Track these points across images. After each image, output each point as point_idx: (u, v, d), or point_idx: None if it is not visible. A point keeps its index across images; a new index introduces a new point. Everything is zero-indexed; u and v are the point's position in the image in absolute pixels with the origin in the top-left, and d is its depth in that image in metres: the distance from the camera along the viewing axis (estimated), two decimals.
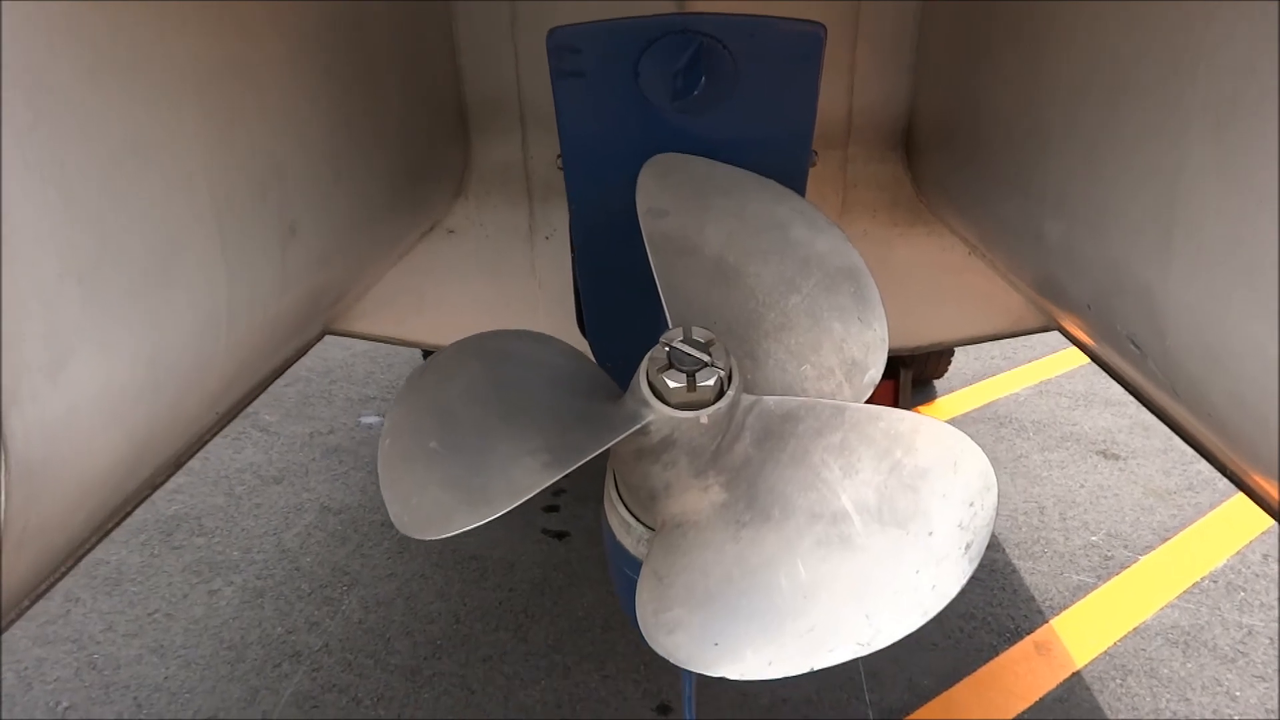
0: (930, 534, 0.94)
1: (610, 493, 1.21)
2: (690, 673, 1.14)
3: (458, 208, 2.39)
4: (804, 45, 1.17)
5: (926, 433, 0.98)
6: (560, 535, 3.76)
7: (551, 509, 3.93)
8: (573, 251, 2.09)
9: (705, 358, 1.01)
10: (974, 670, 3.02)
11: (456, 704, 2.89)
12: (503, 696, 2.91)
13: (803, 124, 1.24)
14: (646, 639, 1.00)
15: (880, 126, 2.21)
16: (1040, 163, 1.40)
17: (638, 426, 1.01)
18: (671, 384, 1.00)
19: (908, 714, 2.84)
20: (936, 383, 5.12)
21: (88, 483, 0.91)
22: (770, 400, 1.04)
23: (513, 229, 2.42)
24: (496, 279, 2.46)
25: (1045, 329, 2.38)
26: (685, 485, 1.07)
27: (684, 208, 1.16)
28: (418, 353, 4.94)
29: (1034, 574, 3.51)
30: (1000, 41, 1.58)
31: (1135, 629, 3.19)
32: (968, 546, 0.93)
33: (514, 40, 2.17)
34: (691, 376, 1.00)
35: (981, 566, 3.28)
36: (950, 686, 2.95)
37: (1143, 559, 3.60)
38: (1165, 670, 2.99)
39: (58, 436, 0.82)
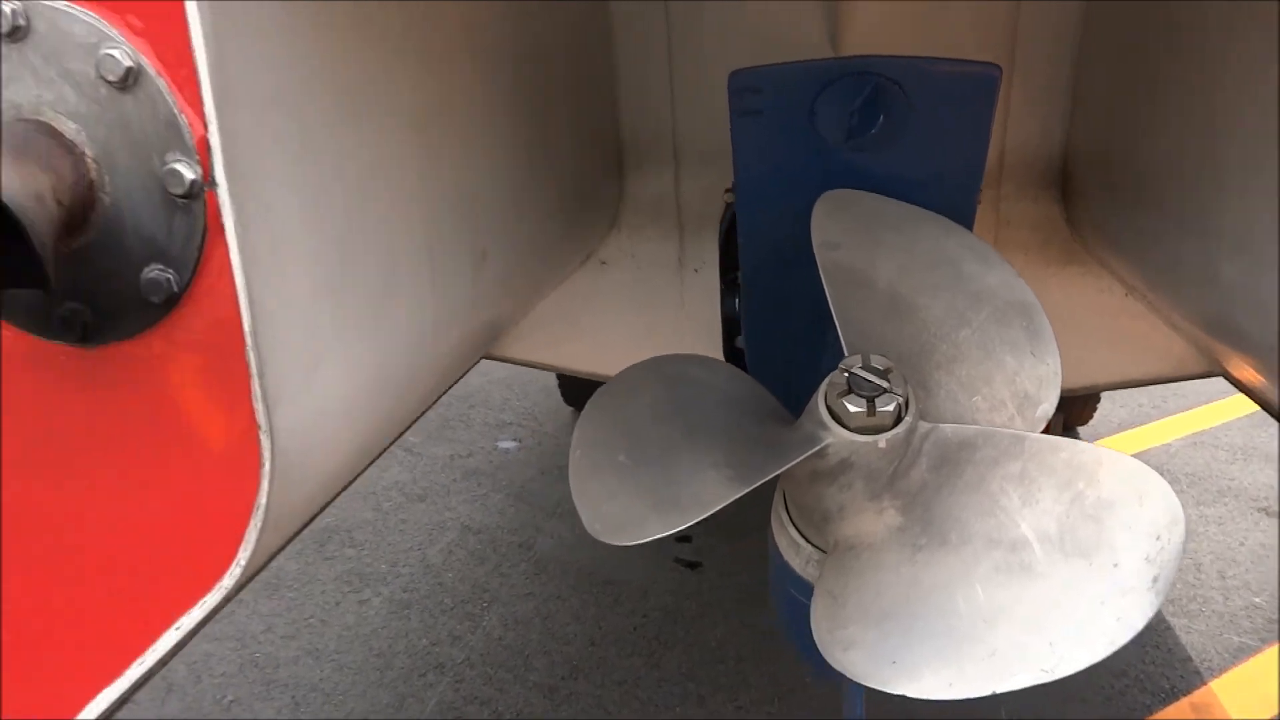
0: (1115, 565, 0.95)
1: (780, 514, 1.25)
2: (859, 695, 1.16)
3: (611, 239, 2.48)
4: (979, 86, 1.20)
5: (1110, 465, 0.99)
6: (693, 565, 3.80)
7: (684, 539, 3.97)
8: (724, 284, 2.15)
9: (884, 384, 1.05)
10: None
11: None
12: None
13: (974, 162, 1.27)
14: (823, 654, 1.04)
15: (1034, 164, 2.20)
16: (1217, 200, 1.38)
17: (817, 449, 1.06)
18: (852, 408, 1.04)
19: None
20: (1082, 431, 4.93)
21: (325, 476, 1.01)
22: (947, 427, 1.07)
23: (663, 261, 2.50)
24: (646, 310, 2.54)
25: (1209, 374, 2.29)
26: (860, 508, 1.11)
27: (856, 241, 1.20)
28: (552, 382, 5.08)
29: (1190, 633, 3.34)
30: (1170, 76, 1.57)
31: None
32: (1155, 580, 0.94)
33: (670, 80, 2.26)
34: (871, 401, 1.04)
35: None
36: None
37: None
38: None
39: (309, 434, 0.92)
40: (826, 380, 1.08)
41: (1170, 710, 2.96)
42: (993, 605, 0.99)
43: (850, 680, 1.26)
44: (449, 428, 5.20)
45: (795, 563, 1.23)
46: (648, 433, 1.15)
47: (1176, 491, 0.99)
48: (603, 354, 2.52)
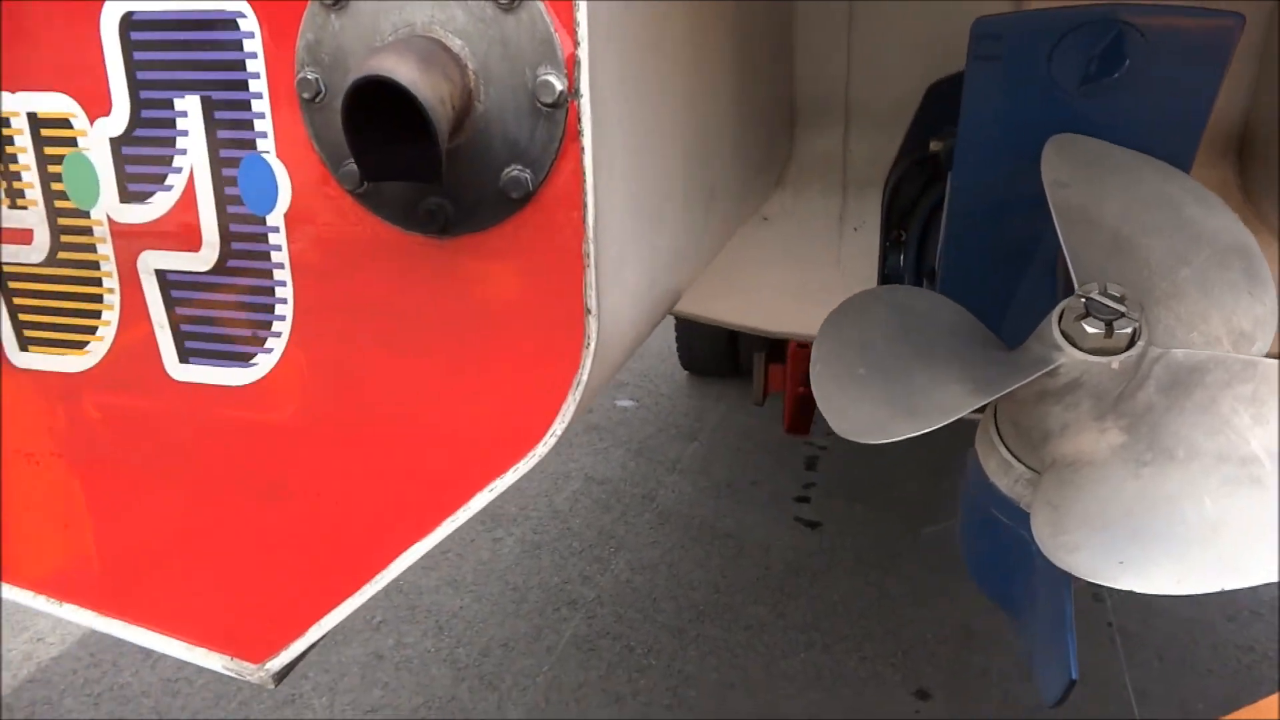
0: None
1: (990, 435, 1.34)
2: (1070, 628, 1.24)
3: (775, 196, 2.58)
4: (1218, 36, 1.26)
5: None
6: (813, 525, 3.89)
7: (803, 499, 4.07)
8: (888, 242, 2.22)
9: (1122, 309, 1.13)
10: (1254, 700, 2.89)
11: (721, 664, 3.08)
12: (764, 664, 3.08)
13: (1200, 111, 1.32)
14: (1048, 556, 1.13)
15: (1214, 128, 2.22)
16: None
17: (1051, 368, 1.14)
18: (1090, 330, 1.12)
19: None
20: None
21: (619, 354, 1.14)
22: (1179, 352, 1.14)
23: (824, 219, 2.58)
24: (803, 265, 2.62)
25: None
26: (1083, 427, 1.19)
27: (1084, 181, 1.28)
28: (667, 347, 5.20)
29: None
30: None
31: None
32: None
33: (849, 43, 2.33)
34: (1109, 325, 1.12)
35: (1260, 600, 3.14)
36: (1228, 713, 2.85)
37: None
38: None
39: (616, 319, 1.05)
40: (1061, 305, 1.16)
41: None
42: (1221, 514, 1.06)
43: (1048, 600, 1.36)
44: None
45: (1003, 483, 1.32)
46: (882, 350, 1.25)
47: None
48: (758, 308, 2.62)
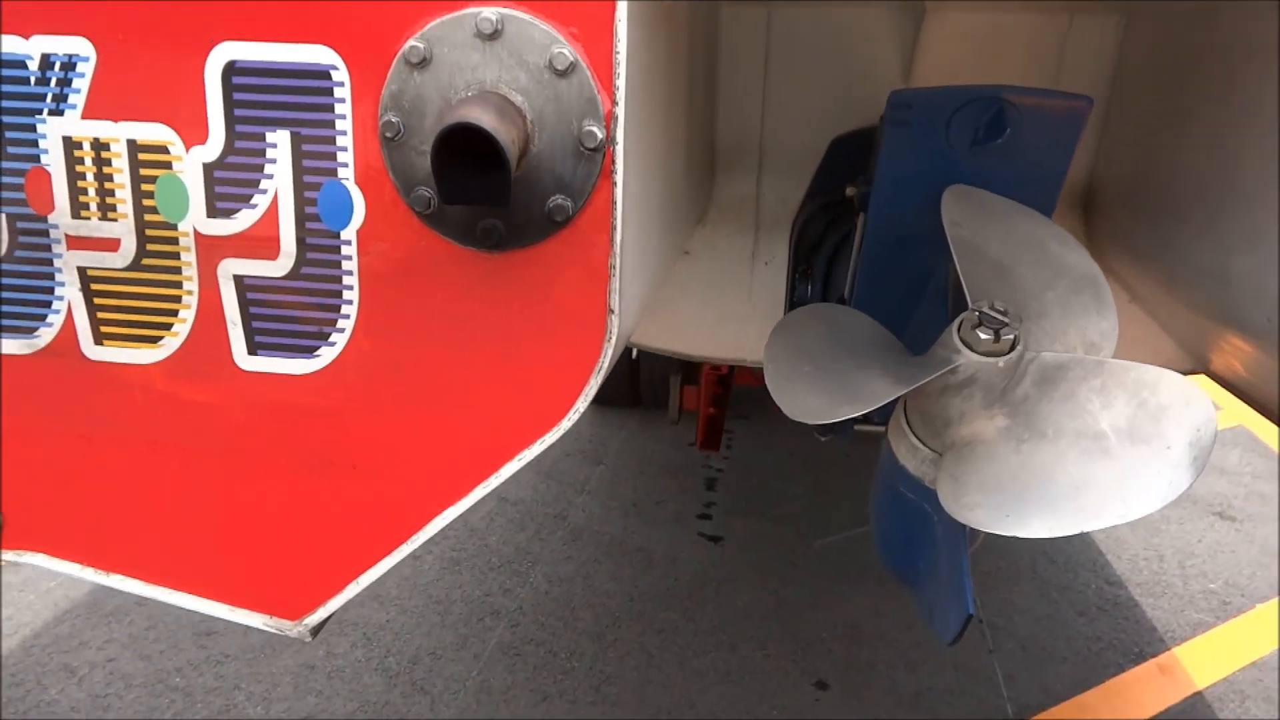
0: (1168, 448, 1.37)
1: (900, 425, 1.65)
2: (967, 574, 1.55)
3: (697, 233, 2.89)
4: (1073, 113, 1.63)
5: (1166, 380, 1.41)
6: (715, 539, 4.19)
7: (704, 516, 4.36)
8: (796, 274, 2.55)
9: (1006, 320, 1.46)
10: (1102, 681, 3.34)
11: (639, 664, 3.31)
12: (678, 662, 3.33)
13: (1059, 171, 1.69)
14: (950, 513, 1.44)
15: (1065, 187, 2.66)
16: (1231, 208, 1.82)
17: (952, 366, 1.47)
18: (982, 336, 1.45)
19: (1042, 711, 3.17)
20: None
21: (623, 345, 1.40)
22: (1048, 354, 1.48)
23: (738, 254, 2.91)
24: (719, 296, 2.94)
25: (1194, 372, 2.75)
26: (976, 415, 1.52)
27: (973, 222, 1.61)
28: None
29: (1156, 609, 3.80)
30: (1195, 105, 2.00)
31: (1254, 662, 3.46)
32: (1194, 459, 1.35)
33: (764, 97, 2.69)
34: (996, 333, 1.45)
35: (1105, 599, 3.60)
36: (1081, 693, 3.27)
37: (1260, 606, 3.86)
38: None
39: (628, 317, 1.31)
40: (960, 317, 1.48)
41: (1139, 669, 3.41)
42: (1081, 477, 1.40)
43: (948, 552, 1.67)
44: None
45: (911, 464, 1.63)
46: (821, 354, 1.55)
47: None
48: (678, 333, 2.92)
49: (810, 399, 1.46)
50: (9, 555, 1.47)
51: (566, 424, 1.28)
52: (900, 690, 3.23)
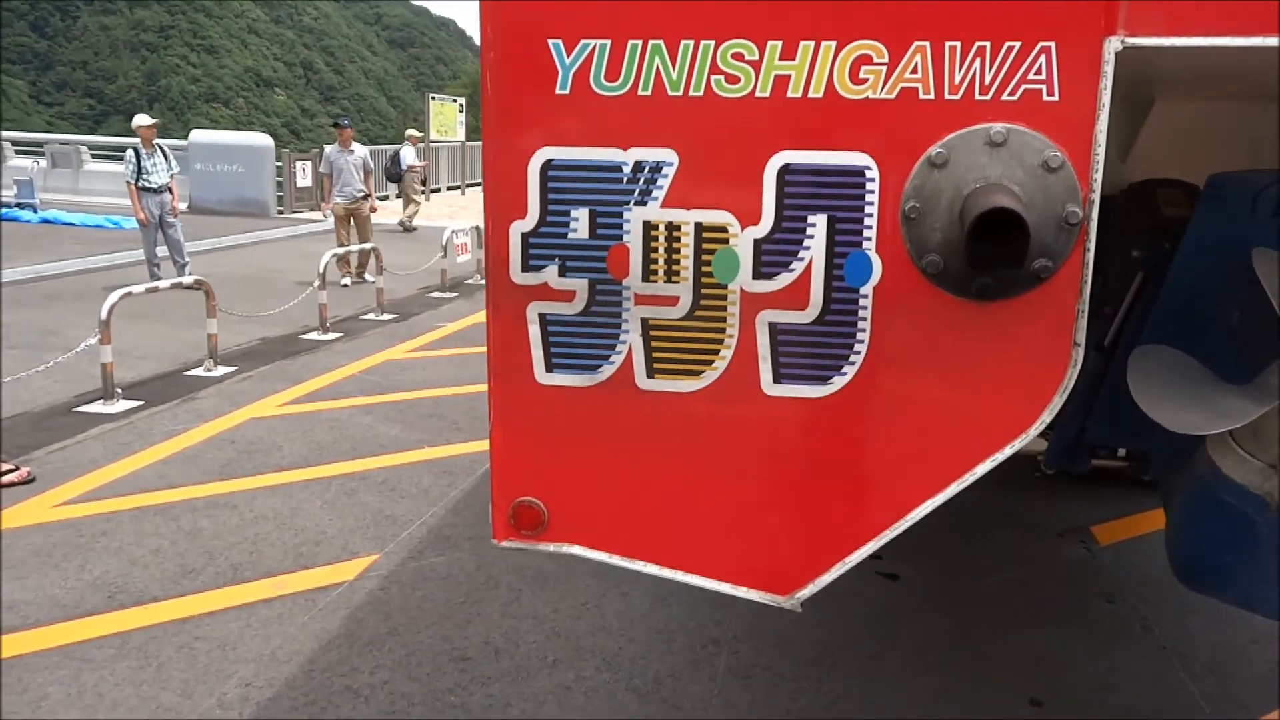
0: None
1: (1227, 443, 2.02)
2: None
3: None
4: None
5: None
6: (892, 577, 4.51)
7: (876, 556, 4.68)
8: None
9: None
10: None
11: (861, 685, 3.64)
12: (894, 685, 3.65)
13: None
14: None
15: None
16: None
17: None
18: None
19: None
20: None
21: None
22: None
23: None
24: None
25: None
26: None
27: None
28: None
29: None
30: None
31: None
32: None
33: None
34: None
35: (1271, 627, 3.84)
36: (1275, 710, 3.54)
37: None
38: None
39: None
40: None
41: None
42: None
43: None
44: None
45: (1238, 474, 2.00)
46: (1182, 379, 1.94)
47: None
48: None
49: (1188, 415, 1.84)
50: (551, 546, 1.86)
51: (1034, 431, 1.67)
52: (1111, 709, 3.52)
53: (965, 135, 1.59)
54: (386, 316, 10.17)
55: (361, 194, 12.11)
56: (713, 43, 1.62)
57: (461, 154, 25.00)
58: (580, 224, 1.71)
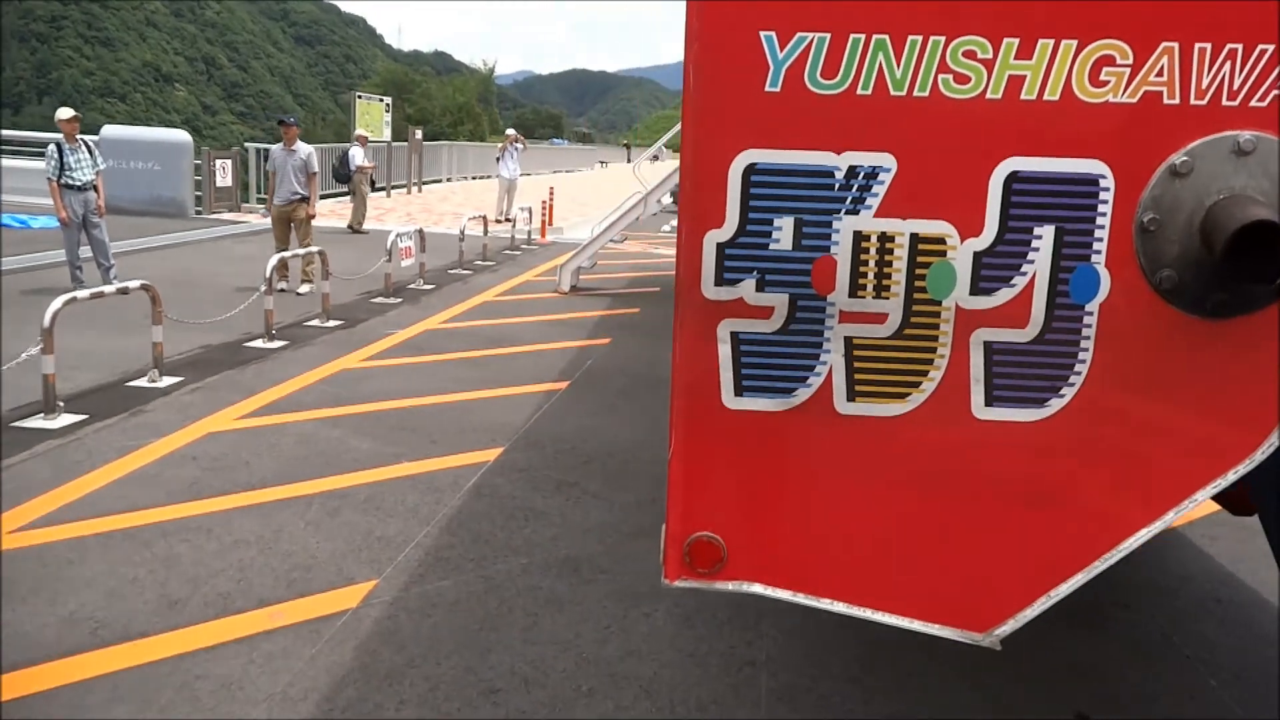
0: None
1: None
2: None
3: None
4: None
5: None
6: None
7: None
8: None
9: None
10: None
11: (905, 704, 3.55)
12: (937, 702, 3.58)
13: None
14: None
15: None
16: None
17: None
18: None
19: None
20: None
21: None
22: None
23: None
24: None
25: None
26: None
27: None
28: None
29: None
30: None
31: None
32: None
33: None
34: None
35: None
36: None
37: None
38: None
39: None
40: None
41: None
42: None
43: None
44: None
45: None
46: None
47: None
48: None
49: None
50: (730, 585, 1.70)
51: (1262, 454, 1.58)
52: (1157, 709, 3.52)
53: (1210, 144, 1.50)
54: (332, 323, 9.76)
55: (297, 196, 11.62)
56: (943, 39, 1.50)
57: (388, 155, 24.38)
58: (784, 234, 1.56)
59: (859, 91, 1.52)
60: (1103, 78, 1.49)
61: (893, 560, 1.69)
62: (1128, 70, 1.48)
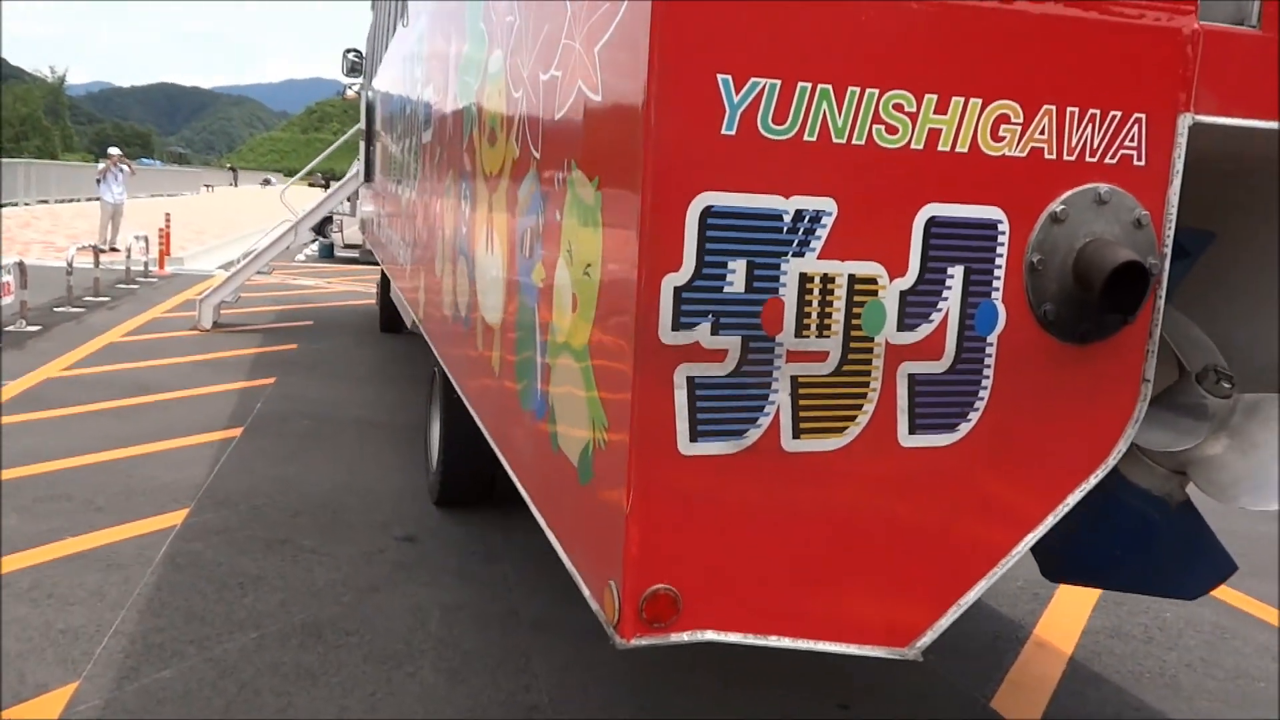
0: None
1: (1134, 455, 2.40)
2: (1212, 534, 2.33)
3: None
4: None
5: None
6: None
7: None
8: None
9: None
10: None
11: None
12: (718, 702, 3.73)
13: None
14: (1221, 500, 2.21)
15: None
16: None
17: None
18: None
19: None
20: None
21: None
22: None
23: None
24: None
25: None
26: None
27: None
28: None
29: None
30: None
31: None
32: None
33: None
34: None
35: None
36: None
37: None
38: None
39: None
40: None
41: None
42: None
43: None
44: None
45: (1144, 480, 2.39)
46: None
47: None
48: None
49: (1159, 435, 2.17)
50: (685, 635, 1.65)
51: (1114, 460, 1.85)
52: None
53: (1080, 193, 1.73)
54: None
55: None
56: (877, 91, 1.58)
57: None
58: (737, 276, 1.56)
59: (805, 138, 1.56)
60: (1000, 133, 1.67)
61: (826, 590, 1.74)
62: (1019, 128, 1.68)
